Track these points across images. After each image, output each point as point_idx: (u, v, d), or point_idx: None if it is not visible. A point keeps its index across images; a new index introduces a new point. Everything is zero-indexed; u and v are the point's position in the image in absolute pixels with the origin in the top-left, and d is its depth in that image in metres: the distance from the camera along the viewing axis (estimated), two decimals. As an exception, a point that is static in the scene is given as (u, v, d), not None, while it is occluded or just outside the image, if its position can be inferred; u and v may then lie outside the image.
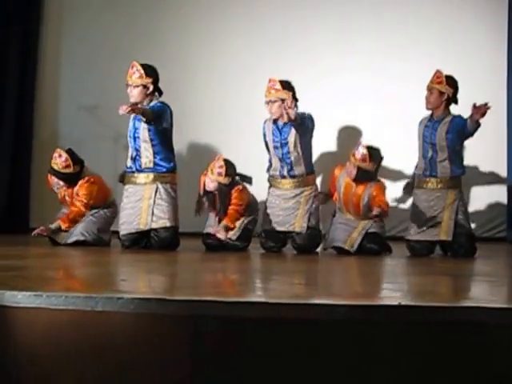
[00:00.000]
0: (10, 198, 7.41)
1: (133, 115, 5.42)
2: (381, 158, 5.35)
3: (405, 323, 2.47)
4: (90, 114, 7.15)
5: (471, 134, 5.26)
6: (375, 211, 5.06)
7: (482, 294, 3.20)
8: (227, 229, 5.37)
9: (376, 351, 2.44)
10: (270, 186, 5.59)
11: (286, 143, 5.45)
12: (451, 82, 5.34)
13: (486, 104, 5.01)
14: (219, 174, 5.37)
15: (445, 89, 5.29)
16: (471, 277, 4.13)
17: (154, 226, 5.37)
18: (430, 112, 5.42)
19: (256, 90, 6.83)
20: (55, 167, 5.59)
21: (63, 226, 5.52)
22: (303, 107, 5.49)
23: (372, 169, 5.28)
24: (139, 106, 5.27)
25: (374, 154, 5.26)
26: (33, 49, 7.58)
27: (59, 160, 5.57)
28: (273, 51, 7.20)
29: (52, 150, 5.70)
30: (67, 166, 5.58)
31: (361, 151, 5.21)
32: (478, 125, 5.12)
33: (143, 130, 5.39)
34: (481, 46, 7.07)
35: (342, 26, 7.21)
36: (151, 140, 5.39)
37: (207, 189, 5.44)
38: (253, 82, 7.09)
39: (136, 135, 5.43)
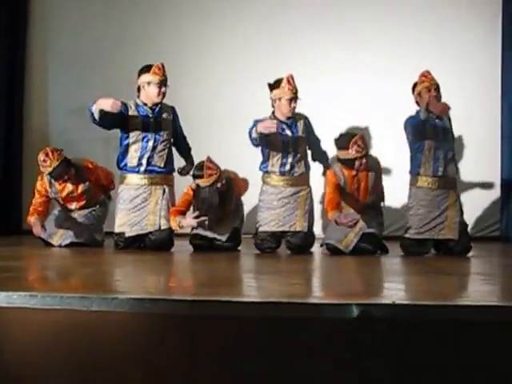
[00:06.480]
0: (2, 199, 7.40)
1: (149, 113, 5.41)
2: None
3: (401, 321, 2.47)
4: (79, 115, 7.14)
5: None
6: None
7: (477, 292, 3.21)
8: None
9: (373, 349, 2.44)
10: (264, 184, 5.51)
11: (297, 140, 5.42)
12: None
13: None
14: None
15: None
16: (466, 275, 4.14)
17: (163, 227, 5.36)
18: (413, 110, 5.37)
19: (251, 91, 6.85)
20: (54, 165, 5.44)
21: None
22: (300, 107, 5.48)
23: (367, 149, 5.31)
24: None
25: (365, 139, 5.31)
26: (20, 50, 7.57)
27: (50, 157, 5.43)
28: (269, 51, 7.21)
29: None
30: (59, 155, 5.47)
31: (358, 143, 5.20)
32: None
33: (168, 133, 5.44)
34: (477, 50, 7.10)
35: (340, 26, 7.23)
36: (171, 142, 5.50)
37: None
38: (246, 81, 7.10)
39: (159, 132, 5.41)
